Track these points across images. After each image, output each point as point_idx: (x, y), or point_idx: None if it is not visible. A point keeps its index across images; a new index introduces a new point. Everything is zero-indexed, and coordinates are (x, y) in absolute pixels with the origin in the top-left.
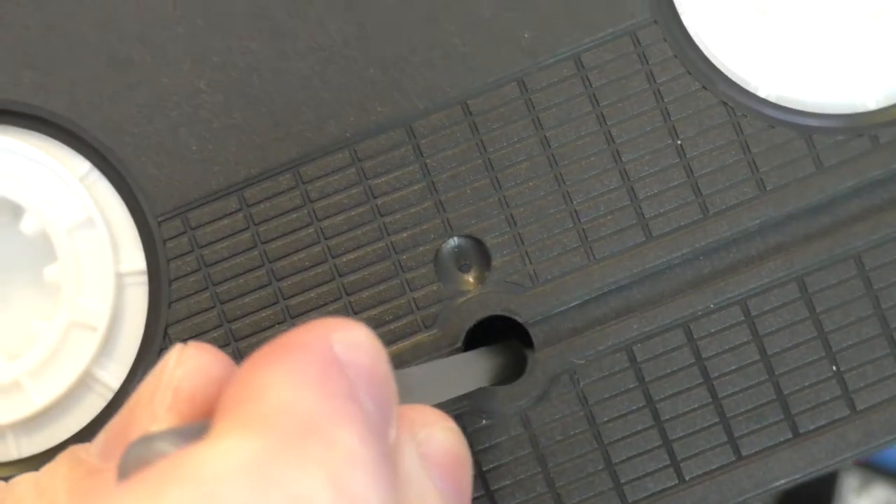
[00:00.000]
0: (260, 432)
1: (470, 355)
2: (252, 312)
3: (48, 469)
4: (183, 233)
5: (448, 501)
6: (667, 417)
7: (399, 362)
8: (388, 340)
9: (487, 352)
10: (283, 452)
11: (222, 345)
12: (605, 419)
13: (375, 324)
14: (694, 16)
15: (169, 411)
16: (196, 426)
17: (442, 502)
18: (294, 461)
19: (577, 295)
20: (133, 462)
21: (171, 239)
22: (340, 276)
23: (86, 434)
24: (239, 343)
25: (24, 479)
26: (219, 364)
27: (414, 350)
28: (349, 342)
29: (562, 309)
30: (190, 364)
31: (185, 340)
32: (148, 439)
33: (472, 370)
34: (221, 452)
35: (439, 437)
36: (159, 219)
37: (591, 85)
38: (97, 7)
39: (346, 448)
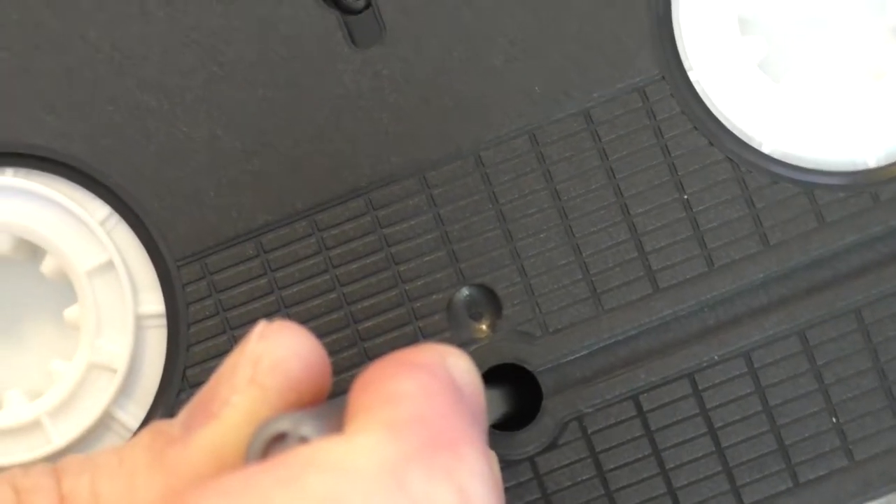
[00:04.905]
0: (398, 437)
1: None
2: None
3: (130, 441)
4: (202, 277)
5: None
6: (671, 466)
7: None
8: None
9: (494, 394)
10: (418, 459)
11: None
12: (612, 466)
13: None
14: (701, 72)
15: (250, 384)
16: (321, 412)
17: None
18: (427, 469)
19: (586, 344)
20: (261, 443)
21: (189, 283)
22: (355, 322)
23: None
24: None
25: (106, 450)
26: (301, 340)
27: None
28: (461, 369)
29: (571, 358)
30: (272, 339)
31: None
32: (277, 421)
33: None
34: (362, 449)
35: None
36: (178, 263)
37: (600, 139)
38: (117, 54)
39: (471, 463)
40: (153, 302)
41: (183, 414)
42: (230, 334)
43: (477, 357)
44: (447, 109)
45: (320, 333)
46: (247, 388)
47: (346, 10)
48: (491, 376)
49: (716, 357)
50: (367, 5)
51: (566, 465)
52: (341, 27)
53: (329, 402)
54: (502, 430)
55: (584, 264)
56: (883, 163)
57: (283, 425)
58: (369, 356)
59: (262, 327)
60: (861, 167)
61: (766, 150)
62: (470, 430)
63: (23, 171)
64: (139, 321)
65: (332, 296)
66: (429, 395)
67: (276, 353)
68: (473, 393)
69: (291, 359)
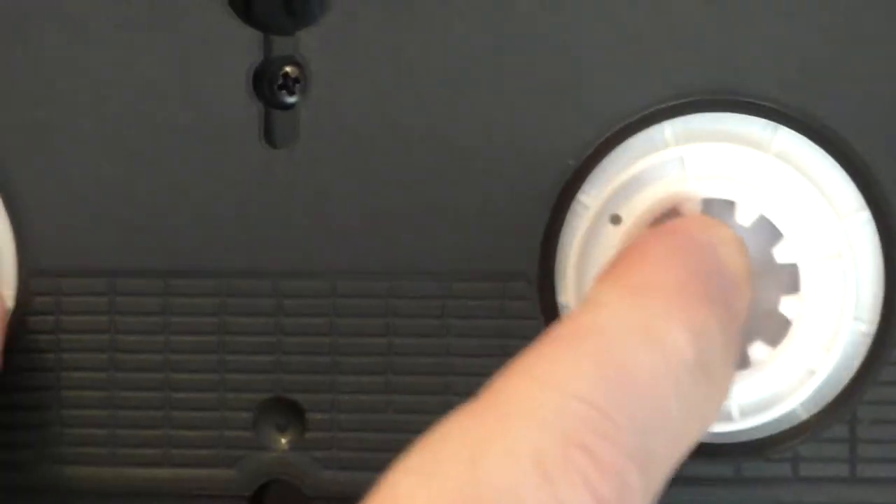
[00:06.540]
0: (623, 305)
1: None
2: (83, 388)
3: None
4: (51, 294)
5: None
6: None
7: (178, 488)
8: (188, 463)
9: None
10: (621, 335)
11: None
12: None
13: (183, 444)
14: (571, 298)
15: None
16: None
17: None
18: (631, 341)
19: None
20: None
21: (39, 295)
22: (171, 389)
23: None
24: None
25: None
26: None
27: (208, 482)
28: (731, 250)
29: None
30: None
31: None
32: None
33: None
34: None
35: None
36: (33, 272)
37: (446, 316)
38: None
39: (675, 346)
40: (7, 297)
41: None
42: (58, 355)
43: (266, 465)
44: (321, 229)
45: (138, 387)
46: None
47: (272, 105)
48: (273, 488)
49: None
50: (293, 105)
51: None
52: (261, 120)
53: None
54: None
55: (396, 422)
56: None
57: None
58: (173, 425)
59: None
60: None
61: None
62: (716, 311)
63: None
64: None
65: (158, 358)
66: (673, 268)
67: None
68: (739, 278)
69: None
